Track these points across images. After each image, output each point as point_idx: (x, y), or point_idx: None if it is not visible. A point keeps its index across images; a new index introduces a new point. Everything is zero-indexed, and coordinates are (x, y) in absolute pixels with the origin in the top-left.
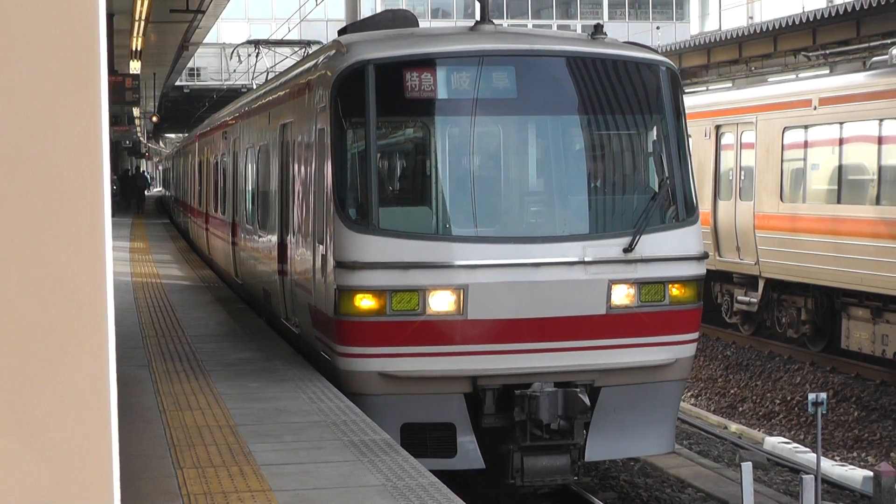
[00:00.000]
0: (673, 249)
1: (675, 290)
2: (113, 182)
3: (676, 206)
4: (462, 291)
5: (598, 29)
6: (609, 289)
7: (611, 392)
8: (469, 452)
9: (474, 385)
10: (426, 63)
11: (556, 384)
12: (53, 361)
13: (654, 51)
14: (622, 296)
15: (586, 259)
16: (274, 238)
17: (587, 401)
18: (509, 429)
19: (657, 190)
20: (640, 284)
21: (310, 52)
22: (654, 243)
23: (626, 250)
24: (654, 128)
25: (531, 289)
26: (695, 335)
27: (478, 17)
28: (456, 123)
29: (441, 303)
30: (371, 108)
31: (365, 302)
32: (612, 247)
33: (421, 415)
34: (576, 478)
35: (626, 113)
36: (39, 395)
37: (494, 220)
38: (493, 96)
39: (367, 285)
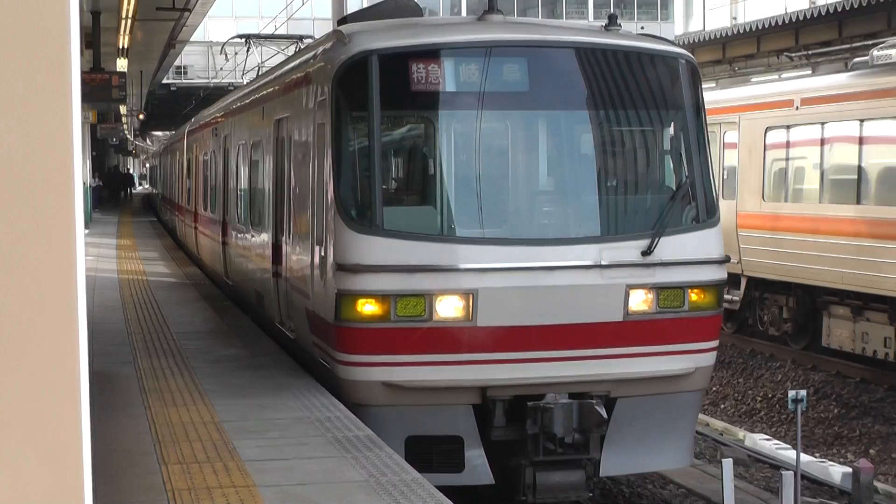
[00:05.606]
0: (693, 252)
1: (694, 296)
2: (100, 178)
3: (696, 207)
4: (471, 296)
5: (612, 20)
6: (626, 294)
7: (627, 403)
8: (477, 467)
9: (483, 396)
10: (433, 54)
11: (571, 395)
12: (23, 357)
13: (673, 43)
14: (640, 301)
15: (602, 262)
16: (268, 238)
17: (604, 413)
18: (520, 442)
19: (676, 189)
20: (659, 289)
21: (301, 46)
22: (673, 246)
23: (644, 253)
24: (673, 124)
25: (544, 294)
26: (715, 343)
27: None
28: (464, 118)
29: (448, 308)
30: (374, 102)
31: (367, 307)
32: (629, 249)
33: (427, 427)
34: (591, 494)
35: (643, 108)
36: (8, 392)
37: (505, 220)
38: (503, 89)
39: (370, 289)
